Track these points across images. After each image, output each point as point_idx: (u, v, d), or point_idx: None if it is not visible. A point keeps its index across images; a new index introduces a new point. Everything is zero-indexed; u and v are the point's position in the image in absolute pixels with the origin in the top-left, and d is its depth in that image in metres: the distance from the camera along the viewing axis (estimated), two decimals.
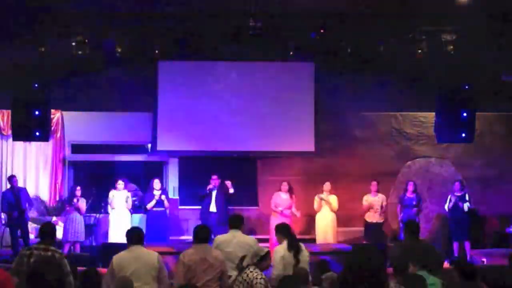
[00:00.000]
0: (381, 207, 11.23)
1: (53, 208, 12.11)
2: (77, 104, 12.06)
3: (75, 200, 10.69)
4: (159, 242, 10.29)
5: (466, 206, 11.09)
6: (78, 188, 10.93)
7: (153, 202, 10.97)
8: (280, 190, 11.13)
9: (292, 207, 11.09)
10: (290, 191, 11.11)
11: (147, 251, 5.79)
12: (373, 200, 11.26)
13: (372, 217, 11.21)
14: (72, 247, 10.74)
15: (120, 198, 11.01)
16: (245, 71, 12.40)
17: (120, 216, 10.97)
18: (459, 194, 11.20)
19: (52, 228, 5.94)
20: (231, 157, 12.37)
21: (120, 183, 11.04)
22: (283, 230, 6.59)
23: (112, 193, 11.02)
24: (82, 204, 10.83)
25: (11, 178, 10.92)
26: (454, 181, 11.61)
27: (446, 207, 11.28)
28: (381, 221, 11.27)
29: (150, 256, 5.71)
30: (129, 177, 12.54)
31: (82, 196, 10.91)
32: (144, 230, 6.45)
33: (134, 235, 5.87)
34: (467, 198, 11.17)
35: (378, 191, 11.34)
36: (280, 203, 11.05)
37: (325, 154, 12.38)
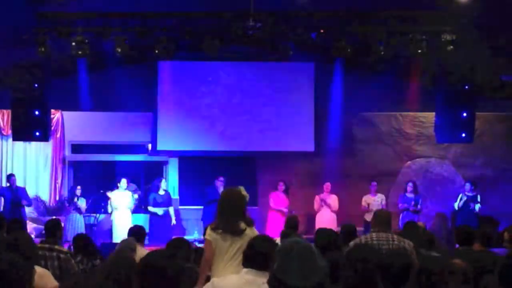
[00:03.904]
0: (381, 206, 11.23)
1: (53, 208, 12.09)
2: (77, 104, 12.05)
3: (75, 199, 10.70)
4: (161, 242, 10.26)
5: (477, 207, 11.09)
6: (79, 187, 10.95)
7: (158, 209, 11.02)
8: (277, 190, 11.19)
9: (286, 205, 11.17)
10: (286, 191, 11.15)
11: (144, 250, 5.80)
12: (373, 200, 11.26)
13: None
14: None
15: (122, 197, 10.98)
16: (245, 71, 12.39)
17: (122, 216, 10.93)
18: (470, 194, 11.20)
19: (53, 224, 5.79)
20: (231, 157, 12.37)
21: (123, 182, 11.03)
22: None
23: (114, 193, 11.00)
24: (82, 203, 10.84)
25: (10, 177, 10.92)
26: (465, 181, 11.67)
27: (456, 205, 11.24)
28: None
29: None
30: (130, 177, 12.55)
31: (82, 196, 10.92)
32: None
33: (132, 233, 5.93)
34: (479, 199, 11.16)
35: (377, 192, 11.35)
36: (279, 203, 11.10)
37: (325, 154, 12.38)
